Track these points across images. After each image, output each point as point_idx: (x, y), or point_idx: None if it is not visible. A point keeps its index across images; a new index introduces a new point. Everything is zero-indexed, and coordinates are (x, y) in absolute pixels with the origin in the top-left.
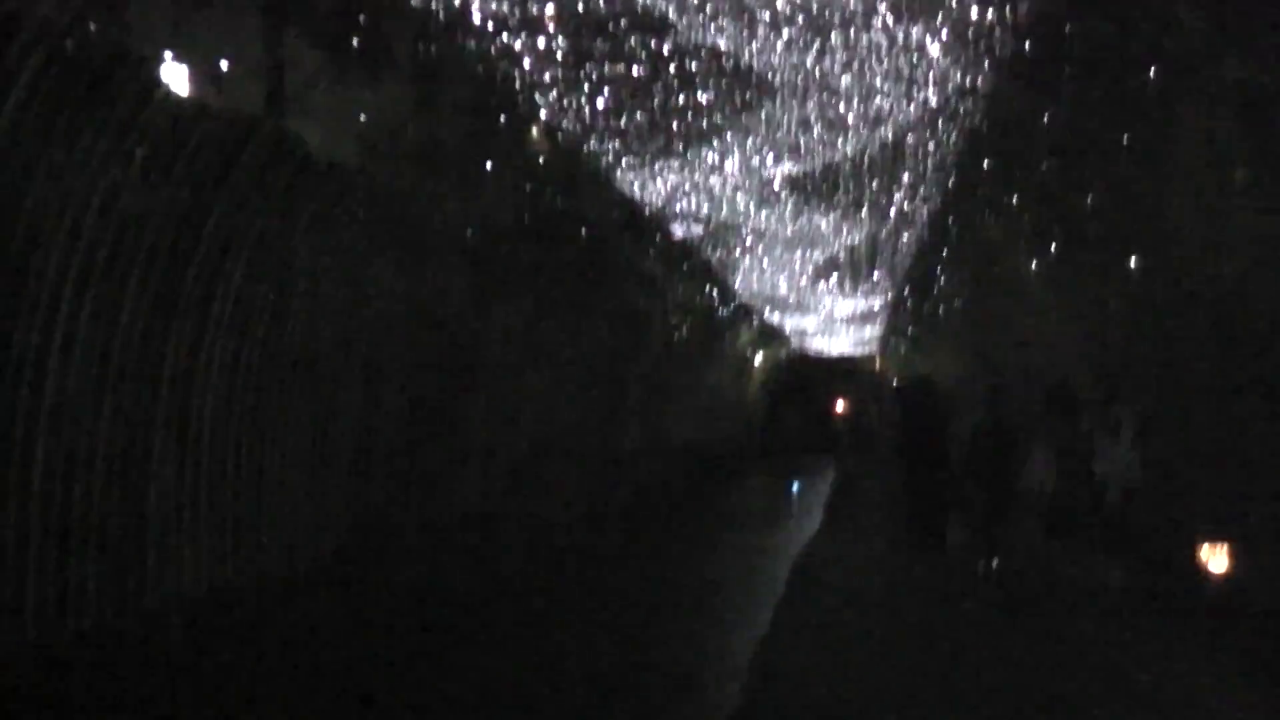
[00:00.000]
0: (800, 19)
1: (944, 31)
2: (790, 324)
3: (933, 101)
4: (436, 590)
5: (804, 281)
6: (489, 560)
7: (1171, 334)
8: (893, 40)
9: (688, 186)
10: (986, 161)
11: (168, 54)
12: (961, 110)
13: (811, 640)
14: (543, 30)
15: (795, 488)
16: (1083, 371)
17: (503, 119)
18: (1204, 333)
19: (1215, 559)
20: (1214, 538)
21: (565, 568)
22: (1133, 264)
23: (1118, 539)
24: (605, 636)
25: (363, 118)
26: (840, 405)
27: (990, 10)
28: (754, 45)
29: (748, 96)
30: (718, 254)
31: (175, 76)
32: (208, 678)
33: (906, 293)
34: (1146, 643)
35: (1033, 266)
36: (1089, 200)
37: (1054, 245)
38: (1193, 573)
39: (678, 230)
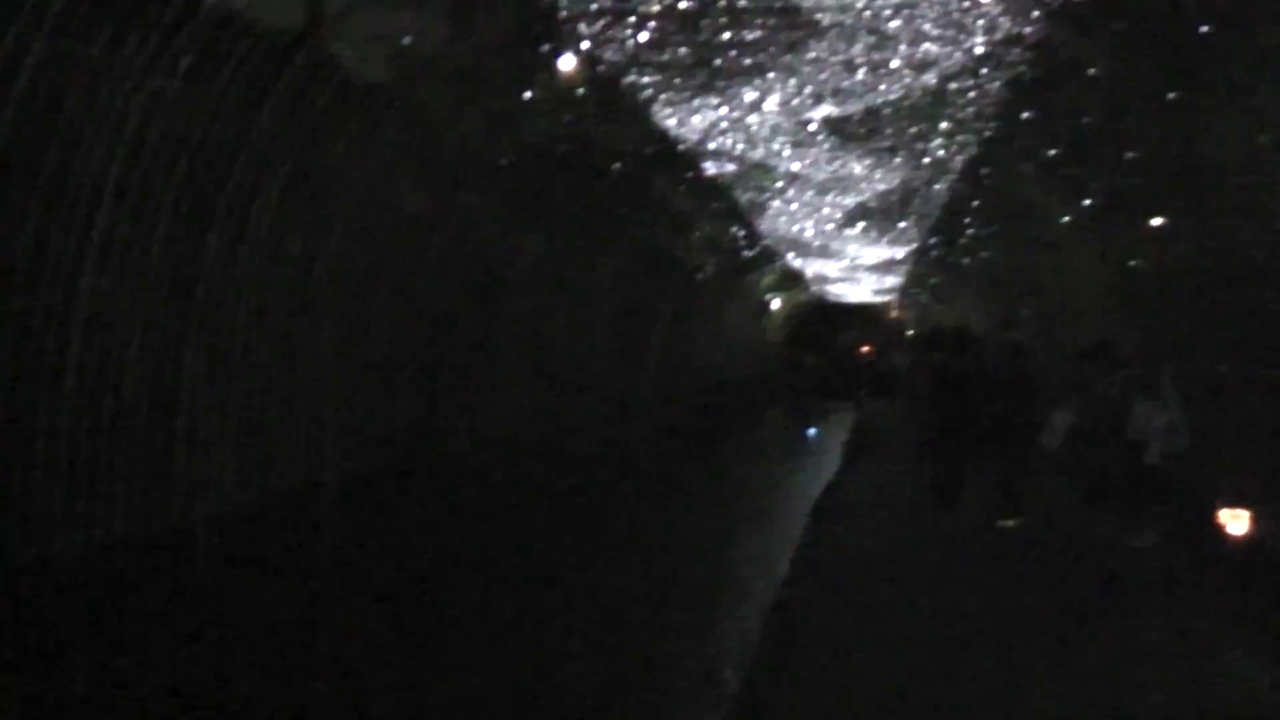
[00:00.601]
0: None
1: None
2: (813, 268)
3: (979, 49)
4: (466, 514)
5: (831, 227)
6: (513, 488)
7: (1208, 294)
8: None
9: (725, 124)
10: (1027, 112)
11: None
12: (1007, 59)
13: (826, 592)
14: None
15: (812, 433)
16: (1116, 329)
17: (544, 47)
18: (1245, 296)
19: (1235, 522)
20: (1234, 502)
21: (582, 508)
22: (1165, 223)
23: (1153, 501)
24: (624, 575)
25: (403, 40)
26: (861, 350)
27: None
28: None
29: (794, 36)
30: (748, 194)
31: None
32: (232, 595)
33: (934, 242)
34: (1162, 602)
35: (1065, 220)
36: (1129, 155)
37: (1090, 200)
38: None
39: (710, 168)
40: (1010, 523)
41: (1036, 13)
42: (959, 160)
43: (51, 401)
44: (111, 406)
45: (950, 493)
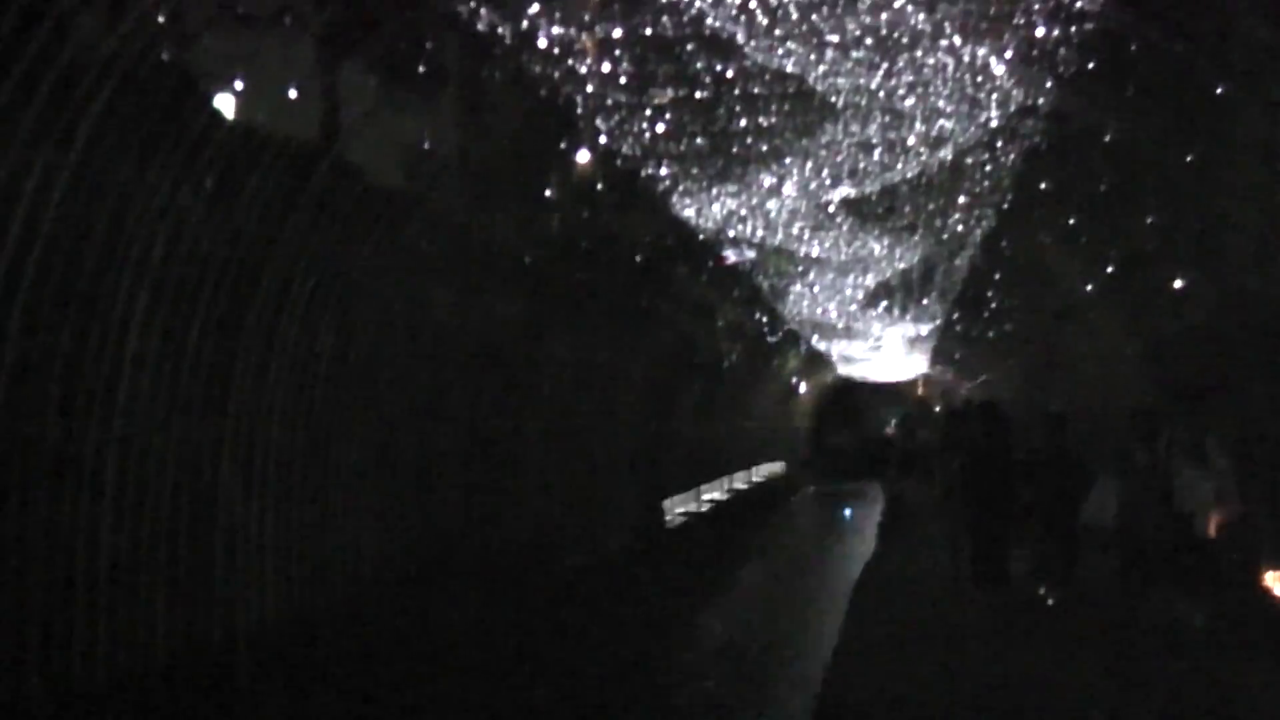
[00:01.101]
0: (869, 40)
1: (1009, 50)
2: (838, 349)
3: (994, 121)
4: (499, 622)
5: (854, 307)
6: (548, 590)
7: (1236, 353)
8: (958, 60)
9: (744, 211)
10: (1044, 182)
11: (234, 83)
12: (1022, 130)
13: (877, 668)
14: (608, 54)
15: (848, 513)
16: (1146, 394)
17: (562, 144)
18: (1271, 351)
19: None
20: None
21: (623, 598)
22: (1186, 284)
23: (1205, 576)
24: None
25: (422, 145)
26: (889, 429)
27: (1055, 28)
28: (820, 68)
29: (810, 119)
30: (769, 279)
31: (239, 103)
32: (276, 711)
33: (957, 317)
34: (1216, 671)
35: (1088, 288)
36: (1148, 220)
37: (1111, 266)
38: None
39: (731, 255)
40: (1054, 597)
41: (1049, 83)
42: (978, 233)
43: (90, 527)
44: (149, 529)
45: (994, 570)
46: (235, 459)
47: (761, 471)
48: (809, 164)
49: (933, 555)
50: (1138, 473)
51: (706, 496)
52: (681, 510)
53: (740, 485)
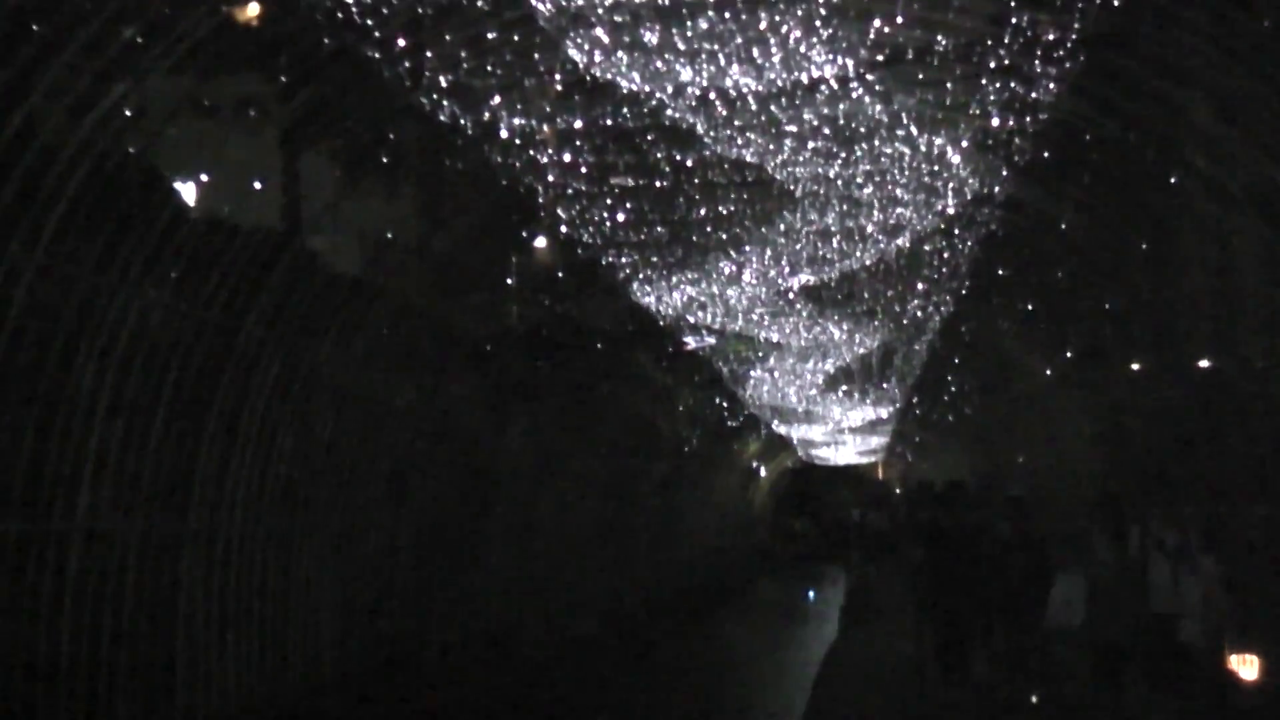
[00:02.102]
0: (827, 130)
1: (965, 140)
2: (798, 433)
3: (951, 209)
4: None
5: (814, 391)
6: (511, 677)
7: (1196, 436)
8: (915, 150)
9: (704, 297)
10: (1002, 269)
11: (199, 174)
12: (979, 218)
13: None
14: (569, 144)
15: (811, 595)
16: (1111, 481)
17: (524, 232)
18: (1231, 434)
19: (1245, 668)
20: (1242, 647)
21: (585, 688)
22: (1143, 367)
23: (1185, 681)
24: None
25: (385, 234)
26: (851, 512)
27: (1011, 118)
28: (779, 157)
29: (769, 208)
30: (729, 365)
31: (203, 194)
32: None
33: (916, 401)
34: None
35: (1047, 373)
36: (1105, 305)
37: (1070, 351)
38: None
39: (691, 341)
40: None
41: (1005, 172)
42: (936, 319)
43: (53, 619)
44: (111, 620)
45: (957, 660)
46: (196, 550)
47: (723, 554)
48: (768, 251)
49: (896, 642)
50: (1104, 567)
51: (671, 578)
52: (645, 592)
53: (703, 567)
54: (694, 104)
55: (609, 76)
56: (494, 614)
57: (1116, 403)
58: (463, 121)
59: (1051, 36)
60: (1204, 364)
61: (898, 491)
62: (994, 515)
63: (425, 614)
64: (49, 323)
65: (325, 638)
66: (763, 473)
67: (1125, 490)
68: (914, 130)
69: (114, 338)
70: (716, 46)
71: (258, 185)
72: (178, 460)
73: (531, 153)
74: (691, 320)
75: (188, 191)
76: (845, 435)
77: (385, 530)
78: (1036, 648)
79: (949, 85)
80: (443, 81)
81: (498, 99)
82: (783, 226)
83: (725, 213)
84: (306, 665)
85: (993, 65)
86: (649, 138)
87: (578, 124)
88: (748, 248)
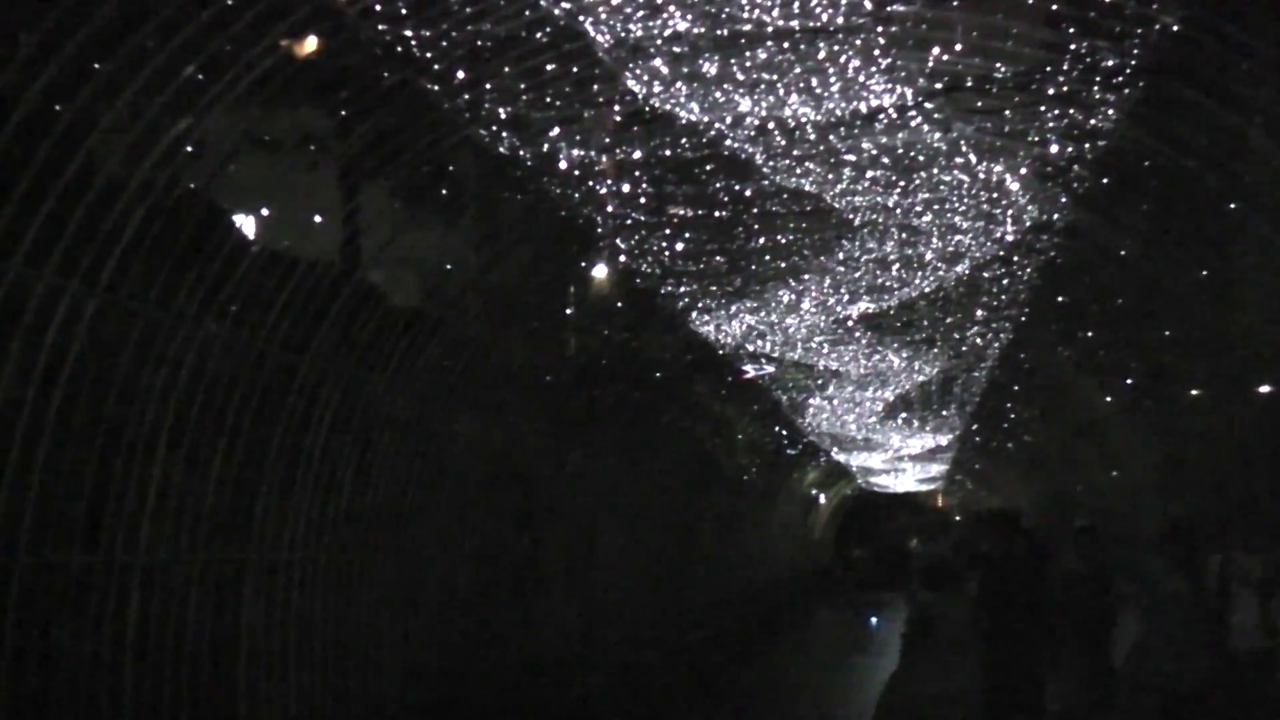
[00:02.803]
0: (886, 159)
1: (1024, 168)
2: (857, 461)
3: (1010, 237)
4: None
5: (873, 419)
6: (573, 710)
7: (1257, 463)
8: (974, 178)
9: (762, 326)
10: (1061, 296)
11: (259, 209)
12: (1038, 245)
13: None
14: (628, 175)
15: (874, 621)
16: (1181, 510)
17: (582, 263)
18: None
19: None
20: None
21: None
22: (1206, 393)
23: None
24: None
25: (443, 266)
26: (910, 540)
27: (1070, 146)
28: (838, 187)
29: (827, 237)
30: (788, 394)
31: (263, 229)
32: None
33: (975, 429)
34: None
35: (1108, 401)
36: (1166, 333)
37: (1130, 379)
38: None
39: (750, 370)
40: None
41: (1064, 199)
42: (996, 347)
43: (115, 652)
44: (172, 654)
45: (1028, 702)
46: (258, 582)
47: (784, 583)
48: (827, 280)
49: (958, 673)
50: (1174, 602)
51: (732, 606)
52: (707, 621)
53: (764, 595)
54: (753, 134)
55: (668, 107)
56: (555, 645)
57: (1179, 429)
58: (521, 153)
59: (1110, 64)
60: (1264, 389)
61: (957, 519)
62: (1060, 546)
63: (487, 645)
64: (111, 357)
65: (386, 670)
66: (822, 500)
67: (1195, 518)
68: (973, 158)
69: (175, 371)
70: (775, 77)
71: (317, 219)
72: (239, 493)
73: (590, 184)
74: (750, 349)
75: (248, 226)
76: (905, 463)
77: (446, 562)
78: (1103, 687)
79: (1008, 113)
80: (501, 114)
81: (556, 130)
82: (841, 255)
83: (784, 242)
84: (368, 697)
85: (1051, 93)
86: (708, 168)
87: (636, 155)
88: (806, 276)
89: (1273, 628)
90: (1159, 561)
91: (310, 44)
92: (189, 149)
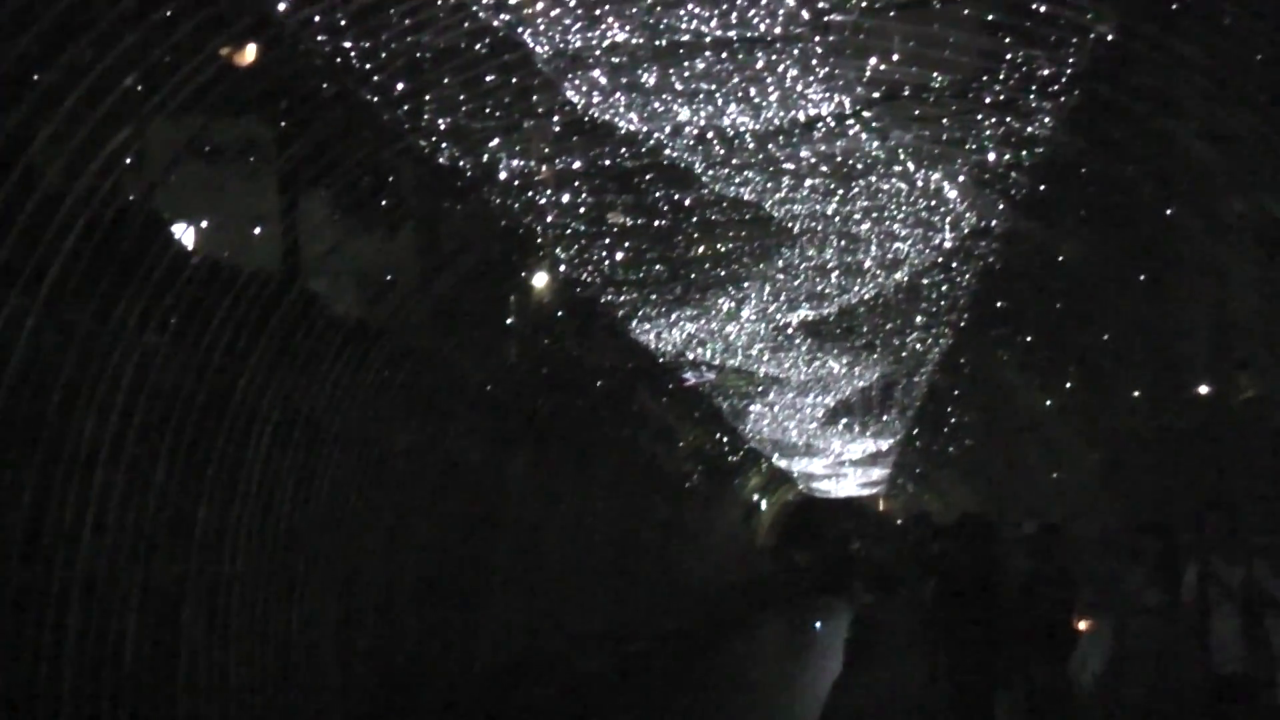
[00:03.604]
0: (825, 168)
1: (962, 175)
2: (799, 467)
3: (949, 244)
4: None
5: (814, 425)
6: (515, 713)
7: (1195, 463)
8: (913, 185)
9: (703, 334)
10: (1000, 301)
11: (200, 220)
12: (976, 251)
13: None
14: (568, 185)
15: (819, 626)
16: (1107, 508)
17: (523, 273)
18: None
19: None
20: None
21: None
22: (1145, 395)
23: None
24: None
25: (385, 276)
26: (852, 544)
27: (1007, 153)
28: (777, 195)
29: (767, 245)
30: (730, 400)
31: (204, 239)
32: None
33: (917, 433)
34: None
35: (1048, 403)
36: (1104, 336)
37: (1069, 381)
38: None
39: (691, 377)
40: None
41: (1002, 205)
42: (936, 352)
43: (54, 667)
44: (112, 669)
45: (977, 706)
46: (198, 597)
47: (728, 588)
48: (767, 288)
49: (902, 679)
50: (1149, 614)
51: (676, 612)
52: (651, 627)
53: (708, 601)
54: (692, 143)
55: (607, 117)
56: (499, 653)
57: (1113, 431)
58: (462, 163)
59: (1046, 72)
60: (1203, 390)
61: (899, 523)
62: (1012, 551)
63: (430, 655)
64: (50, 371)
65: (328, 682)
66: (764, 506)
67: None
68: (911, 166)
69: (115, 384)
70: (713, 86)
71: (258, 230)
72: (179, 507)
73: (530, 193)
74: (691, 357)
75: (188, 236)
76: (846, 468)
77: (388, 572)
78: (1058, 702)
79: (945, 121)
80: (441, 124)
81: (496, 140)
82: (781, 263)
83: (724, 250)
84: (307, 710)
85: (989, 101)
86: (647, 177)
87: (576, 164)
88: (746, 284)
89: (1258, 648)
90: (1135, 570)
91: (250, 54)
92: (129, 160)
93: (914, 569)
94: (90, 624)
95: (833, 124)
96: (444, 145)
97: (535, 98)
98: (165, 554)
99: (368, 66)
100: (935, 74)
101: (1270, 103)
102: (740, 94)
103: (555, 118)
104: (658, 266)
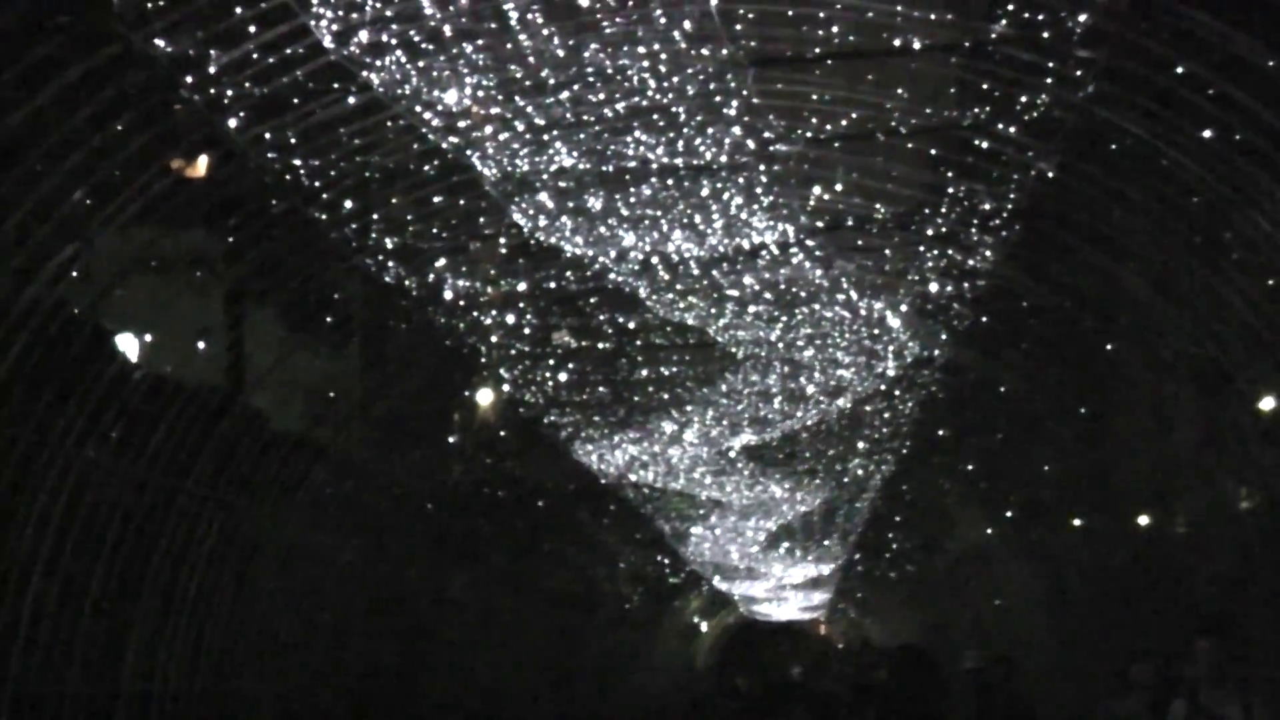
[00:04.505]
0: (768, 295)
1: (904, 305)
2: (740, 590)
3: (891, 371)
4: None
5: (756, 548)
6: None
7: (1136, 592)
8: (856, 314)
9: (646, 457)
10: (942, 430)
11: (144, 333)
12: (919, 380)
13: None
14: (513, 306)
15: None
16: (1050, 635)
17: (467, 392)
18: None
19: None
20: None
21: None
22: (1086, 525)
23: None
24: None
25: (327, 394)
26: (793, 670)
27: (949, 284)
28: (721, 321)
29: (711, 370)
30: (671, 523)
31: (148, 352)
32: None
33: (859, 558)
34: None
35: (989, 531)
36: (1045, 467)
37: (1010, 511)
38: None
39: (633, 499)
40: None
41: (944, 335)
42: (878, 478)
43: None
44: None
45: None
46: (130, 715)
47: (666, 712)
48: (710, 412)
49: None
50: None
51: None
52: None
53: None
54: (637, 268)
55: (553, 240)
56: None
57: (1055, 561)
58: (408, 282)
59: (988, 206)
60: (1143, 521)
61: (840, 648)
62: (963, 684)
63: None
64: None
65: None
66: (704, 628)
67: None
68: (854, 295)
69: (53, 498)
70: (659, 212)
71: (202, 344)
72: (112, 623)
73: (475, 313)
74: (634, 479)
75: (133, 348)
76: (787, 592)
77: (325, 690)
78: None
79: (888, 252)
80: (389, 243)
81: (443, 261)
82: (725, 388)
83: (667, 374)
84: None
85: (931, 233)
86: (592, 300)
87: (522, 286)
88: (689, 408)
89: None
90: (1128, 706)
91: (201, 168)
92: (75, 273)
93: (855, 695)
94: None
95: (777, 252)
96: (390, 264)
97: (482, 219)
98: (97, 670)
99: (317, 184)
100: (879, 205)
101: (1207, 245)
102: (685, 221)
103: (502, 240)
104: (601, 389)
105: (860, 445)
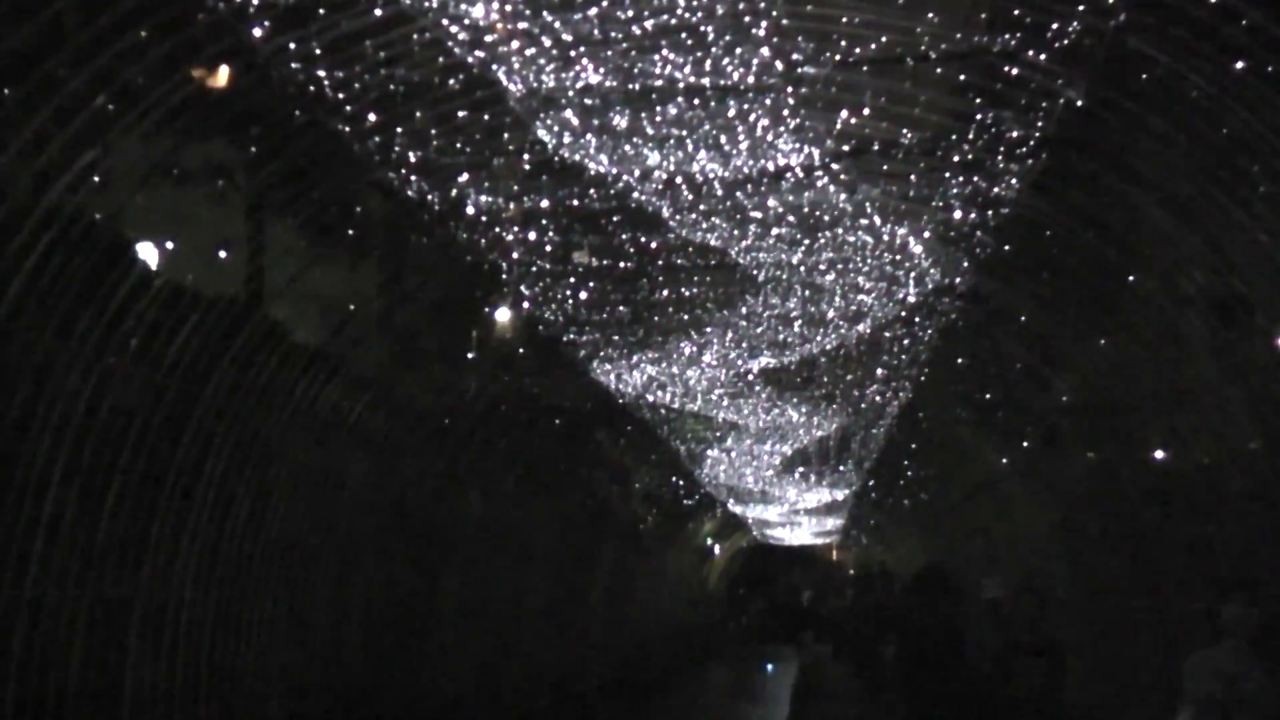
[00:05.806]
0: (791, 218)
1: (927, 232)
2: (753, 514)
3: (911, 298)
4: None
5: (770, 473)
6: None
7: (1150, 525)
8: (878, 239)
9: (664, 378)
10: (960, 358)
11: (164, 241)
12: (939, 307)
13: None
14: (535, 223)
15: (770, 668)
16: (1062, 568)
17: (486, 309)
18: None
19: None
20: None
21: None
22: (1101, 458)
23: None
24: None
25: (347, 306)
26: (804, 594)
27: (973, 212)
28: (743, 243)
29: (731, 292)
30: (687, 445)
31: (168, 261)
32: None
33: (872, 485)
34: None
35: (1003, 462)
36: (1062, 399)
37: (1026, 442)
38: None
39: (649, 420)
40: None
41: (966, 264)
42: (894, 406)
43: None
44: (55, 692)
45: None
46: (146, 621)
47: (678, 632)
48: (729, 334)
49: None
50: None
51: (626, 655)
52: (600, 669)
53: (658, 644)
54: (660, 188)
55: (577, 158)
56: (445, 693)
57: (1069, 493)
58: (430, 197)
59: (1014, 134)
60: (1159, 455)
61: (852, 574)
62: (984, 614)
63: (379, 690)
64: (7, 388)
65: (272, 715)
66: (717, 551)
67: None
68: (877, 220)
69: (72, 404)
70: (684, 133)
71: (223, 254)
72: (130, 530)
73: (497, 230)
74: (651, 400)
75: (152, 258)
76: (801, 517)
77: (338, 605)
78: None
79: (913, 178)
80: (411, 158)
81: (465, 176)
82: (744, 310)
83: (688, 295)
84: None
85: (956, 160)
86: (614, 220)
87: (544, 203)
88: (709, 330)
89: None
90: (1228, 647)
91: (223, 78)
92: (96, 179)
93: (871, 626)
94: (34, 646)
95: (801, 175)
96: (413, 178)
97: (506, 136)
98: (114, 576)
99: (340, 96)
100: (905, 131)
101: (1233, 178)
102: (710, 142)
103: (525, 156)
104: (621, 308)
105: (878, 372)
